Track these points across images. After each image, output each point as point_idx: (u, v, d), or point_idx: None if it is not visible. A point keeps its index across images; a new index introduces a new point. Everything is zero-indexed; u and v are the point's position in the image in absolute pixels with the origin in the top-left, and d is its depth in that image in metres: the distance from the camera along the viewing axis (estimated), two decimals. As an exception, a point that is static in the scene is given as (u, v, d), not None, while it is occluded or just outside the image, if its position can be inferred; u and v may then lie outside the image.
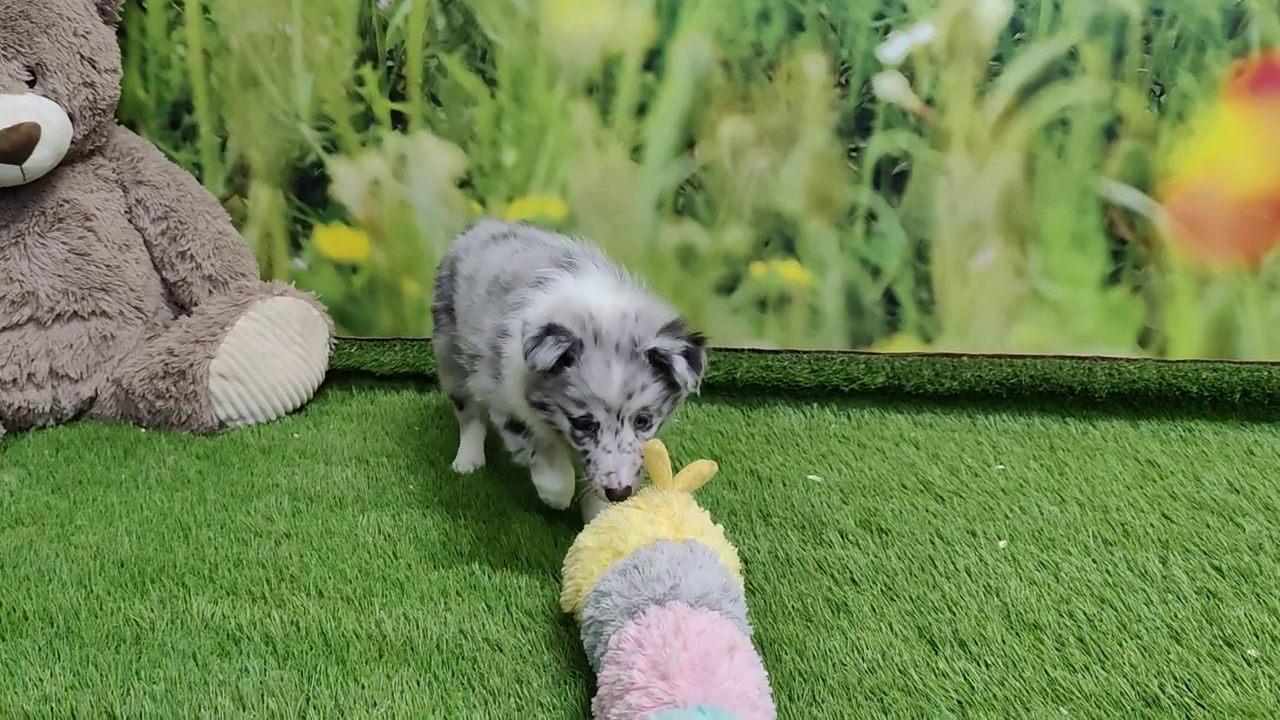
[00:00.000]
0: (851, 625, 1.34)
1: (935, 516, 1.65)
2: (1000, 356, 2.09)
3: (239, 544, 1.58)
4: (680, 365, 1.35)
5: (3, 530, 1.64)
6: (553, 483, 1.54)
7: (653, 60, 2.09)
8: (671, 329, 1.37)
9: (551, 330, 1.32)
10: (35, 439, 2.02)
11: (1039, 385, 2.07)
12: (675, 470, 1.36)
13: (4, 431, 2.00)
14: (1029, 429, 2.03)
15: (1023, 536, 1.57)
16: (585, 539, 1.30)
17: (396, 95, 2.19)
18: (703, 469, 1.37)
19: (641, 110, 2.11)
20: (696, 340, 1.39)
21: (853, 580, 1.46)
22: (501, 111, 2.15)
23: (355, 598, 1.42)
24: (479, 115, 2.16)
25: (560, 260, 1.49)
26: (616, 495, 1.34)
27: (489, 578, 1.47)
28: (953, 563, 1.50)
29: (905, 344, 2.13)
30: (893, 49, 2.02)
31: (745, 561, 1.51)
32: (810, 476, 1.81)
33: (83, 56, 2.02)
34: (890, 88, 2.04)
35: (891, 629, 1.33)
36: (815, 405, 2.16)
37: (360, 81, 2.19)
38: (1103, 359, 2.05)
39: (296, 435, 2.03)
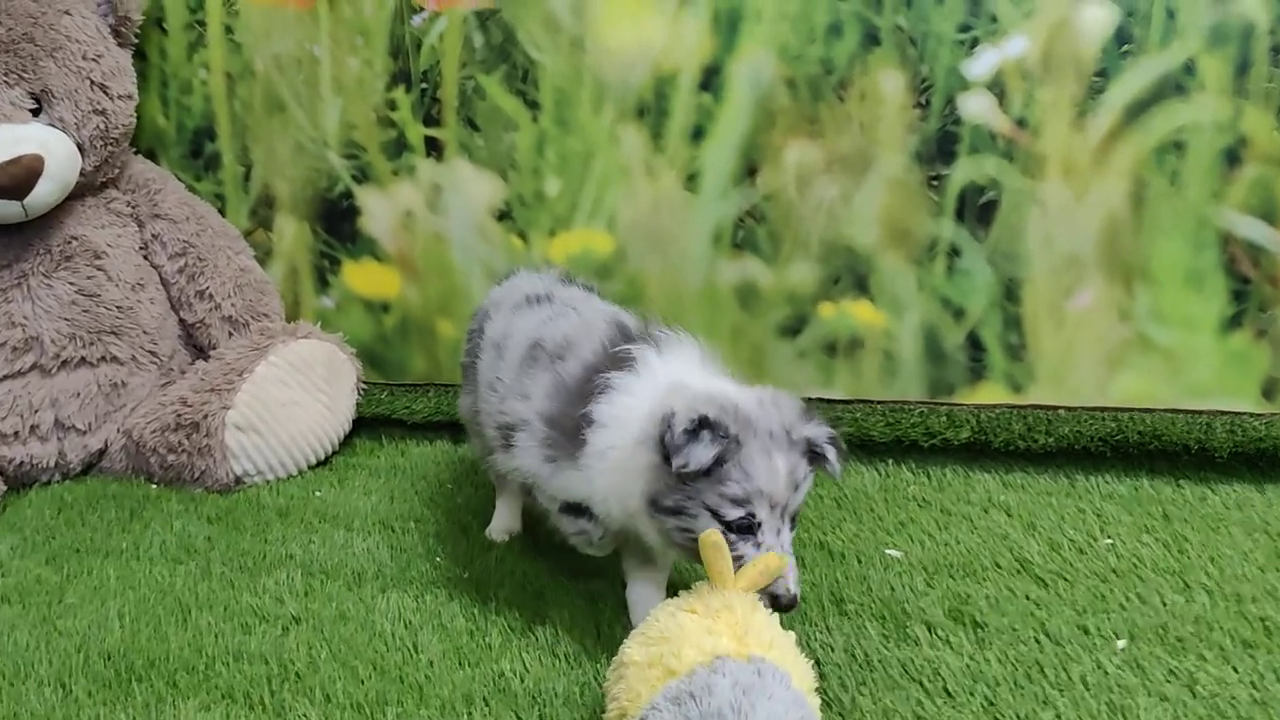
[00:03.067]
0: (949, 754, 1.12)
1: (1038, 606, 1.42)
2: (1102, 409, 1.85)
3: (241, 631, 1.40)
4: (833, 454, 1.22)
5: (-14, 610, 1.47)
6: (591, 551, 1.37)
7: (710, 79, 1.89)
8: (809, 415, 1.24)
9: (704, 425, 1.15)
10: (37, 497, 1.86)
11: (1148, 443, 1.83)
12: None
13: (4, 489, 1.85)
14: (1137, 493, 1.78)
15: (1145, 635, 1.34)
16: (632, 651, 1.10)
17: (431, 120, 2.01)
18: (770, 564, 1.16)
19: (697, 134, 1.91)
20: (834, 426, 1.26)
21: (946, 691, 1.24)
22: (544, 136, 1.96)
23: (366, 705, 1.23)
24: (519, 141, 1.97)
25: (625, 331, 1.37)
26: (786, 606, 1.17)
27: (521, 680, 1.27)
28: (1065, 670, 1.27)
29: (992, 394, 1.90)
30: (980, 64, 1.80)
31: (818, 663, 1.29)
32: (888, 551, 1.59)
33: (93, 82, 1.87)
34: (977, 107, 1.82)
35: (998, 760, 1.11)
36: (891, 462, 1.94)
37: (392, 105, 2.02)
38: (1222, 413, 1.80)
39: (318, 494, 1.85)
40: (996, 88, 1.80)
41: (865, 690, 1.24)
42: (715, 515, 1.18)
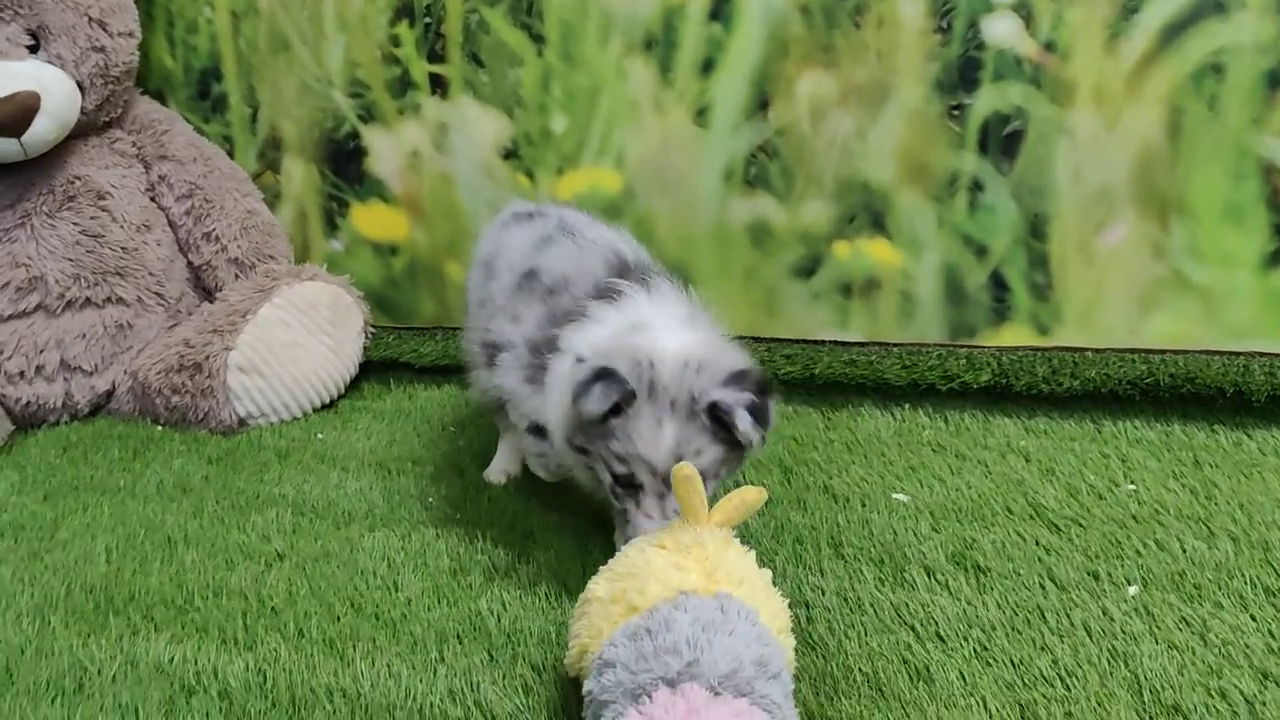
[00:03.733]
0: (933, 699, 1.06)
1: (1048, 551, 1.34)
2: (1133, 351, 1.75)
3: (225, 567, 1.38)
4: (744, 422, 1.16)
5: (-22, 544, 1.48)
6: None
7: (720, 8, 1.81)
8: (737, 379, 1.18)
9: (603, 376, 1.14)
10: (44, 437, 1.87)
11: (1180, 386, 1.72)
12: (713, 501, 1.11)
13: (12, 429, 1.86)
14: (1167, 439, 1.69)
15: (1159, 581, 1.26)
16: (596, 587, 1.06)
17: (435, 56, 1.96)
18: (748, 497, 1.10)
19: (707, 67, 1.83)
20: (764, 390, 1.19)
21: (939, 635, 1.17)
22: (549, 72, 1.90)
23: (338, 640, 1.20)
24: (525, 77, 1.91)
25: (622, 266, 1.34)
26: None
27: (497, 620, 1.23)
28: (1068, 615, 1.20)
29: (1016, 336, 1.81)
30: (1004, -15, 1.70)
31: (806, 606, 1.24)
32: (895, 495, 1.53)
33: (91, 19, 1.84)
34: (1002, 31, 1.71)
35: (985, 706, 1.05)
36: (907, 407, 1.86)
37: (396, 41, 1.97)
38: (1261, 355, 1.69)
39: (319, 436, 1.83)
40: (1023, 9, 1.69)
41: (853, 633, 1.18)
42: (605, 465, 1.19)
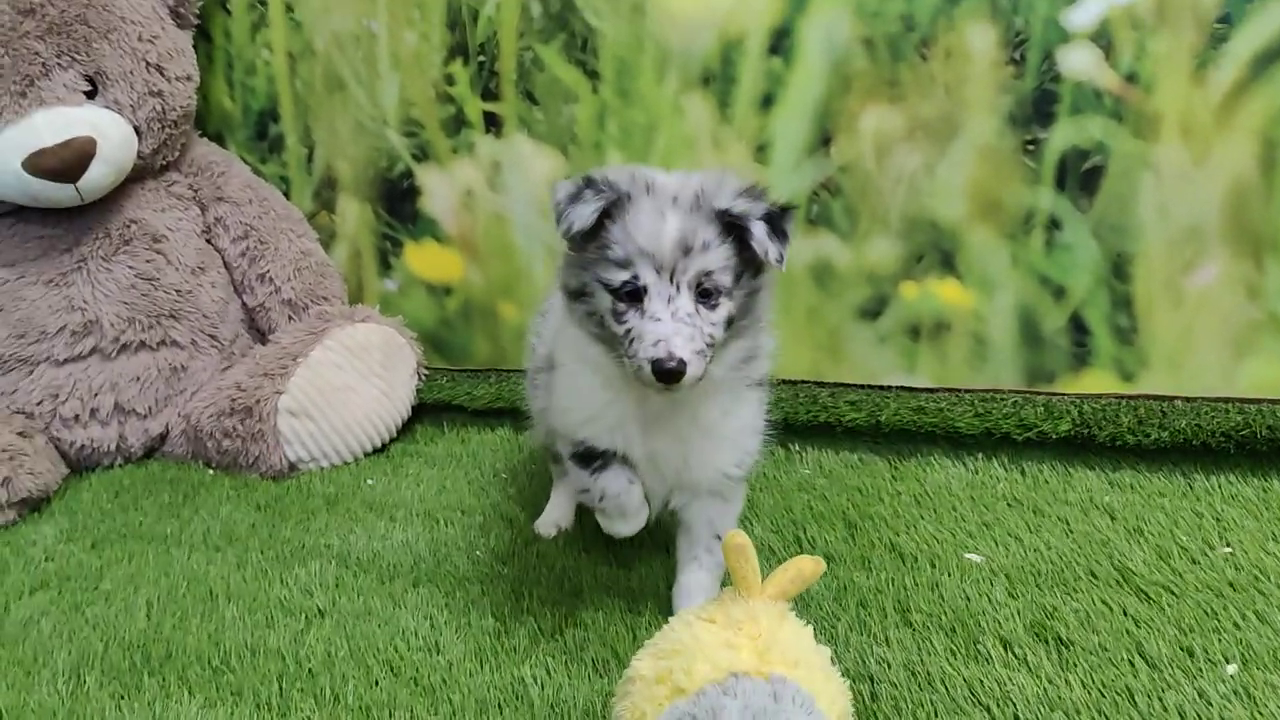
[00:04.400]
0: (1011, 795, 0.97)
1: (1137, 623, 1.24)
2: (1226, 400, 1.64)
3: (264, 624, 1.34)
4: (760, 230, 1.07)
5: (22, 596, 1.45)
6: (624, 527, 1.24)
7: (780, 42, 1.74)
8: (751, 191, 1.11)
9: (587, 185, 1.09)
10: (97, 481, 1.86)
11: (1279, 438, 1.60)
12: (766, 571, 1.03)
13: (66, 472, 1.85)
14: (1265, 496, 1.57)
15: (1260, 660, 1.15)
16: (641, 664, 0.98)
17: (489, 94, 1.93)
18: (804, 568, 1.03)
19: (767, 102, 1.77)
20: (786, 206, 1.12)
21: (1016, 718, 1.08)
22: (605, 108, 1.85)
23: (374, 707, 1.14)
24: (580, 113, 1.87)
25: None
26: (669, 374, 1.04)
27: (541, 688, 1.17)
28: (1160, 698, 1.09)
29: (1098, 383, 1.70)
30: (1083, 13, 1.60)
31: (871, 681, 1.15)
32: (968, 555, 1.43)
33: (149, 63, 1.85)
34: (1080, 62, 1.62)
35: (1070, 805, 0.95)
36: (980, 457, 1.76)
37: (450, 80, 1.94)
38: (1370, 406, 1.57)
39: (369, 482, 1.79)
40: (1102, 39, 1.60)
41: (922, 713, 1.09)
42: (606, 287, 1.10)
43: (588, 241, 1.10)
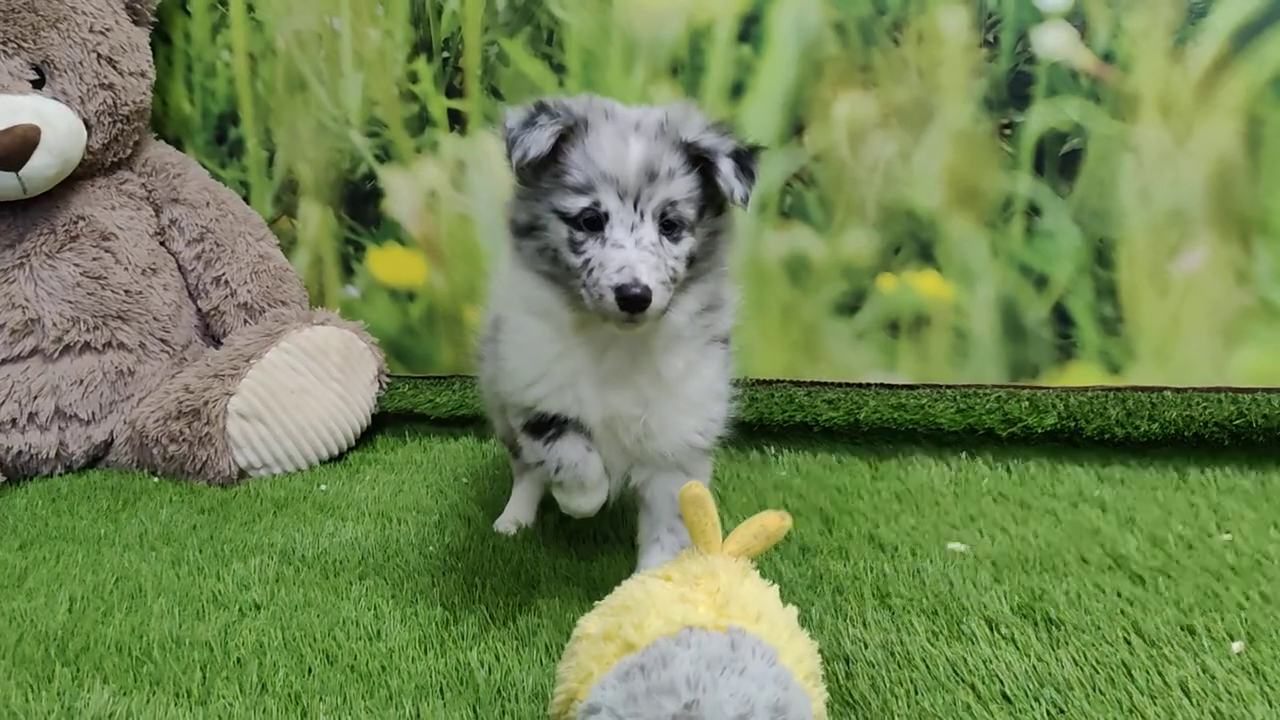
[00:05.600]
0: (1000, 770, 0.88)
1: (1132, 603, 1.15)
2: (1218, 390, 1.57)
3: (193, 618, 1.23)
4: (727, 166, 1.01)
5: (-63, 593, 1.35)
6: (583, 502, 1.16)
7: (749, 29, 1.70)
8: (719, 128, 1.05)
9: (541, 109, 1.03)
10: (34, 489, 1.76)
11: (1276, 428, 1.53)
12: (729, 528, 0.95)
13: (2, 480, 1.75)
14: (1264, 486, 1.49)
15: (1267, 636, 1.07)
16: (588, 623, 0.89)
17: (453, 91, 1.88)
18: (769, 523, 0.94)
19: (737, 91, 1.72)
20: (754, 145, 1.06)
21: (1004, 696, 0.99)
22: (572, 103, 1.80)
23: (304, 694, 1.04)
24: (546, 108, 1.82)
25: None
26: (634, 301, 0.97)
27: (488, 671, 1.07)
28: (1160, 673, 1.00)
29: (1084, 375, 1.63)
30: (1056, -8, 1.57)
31: (847, 660, 1.06)
32: (951, 545, 1.34)
33: (100, 55, 1.79)
34: (1054, 43, 1.58)
35: (1064, 778, 0.86)
36: (964, 455, 1.68)
37: (414, 78, 1.90)
38: (1368, 391, 1.50)
39: (322, 487, 1.69)
40: (1077, 18, 1.57)
41: (900, 690, 1.00)
42: (562, 217, 1.03)
43: (541, 171, 1.04)
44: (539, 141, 1.01)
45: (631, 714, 0.73)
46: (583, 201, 1.01)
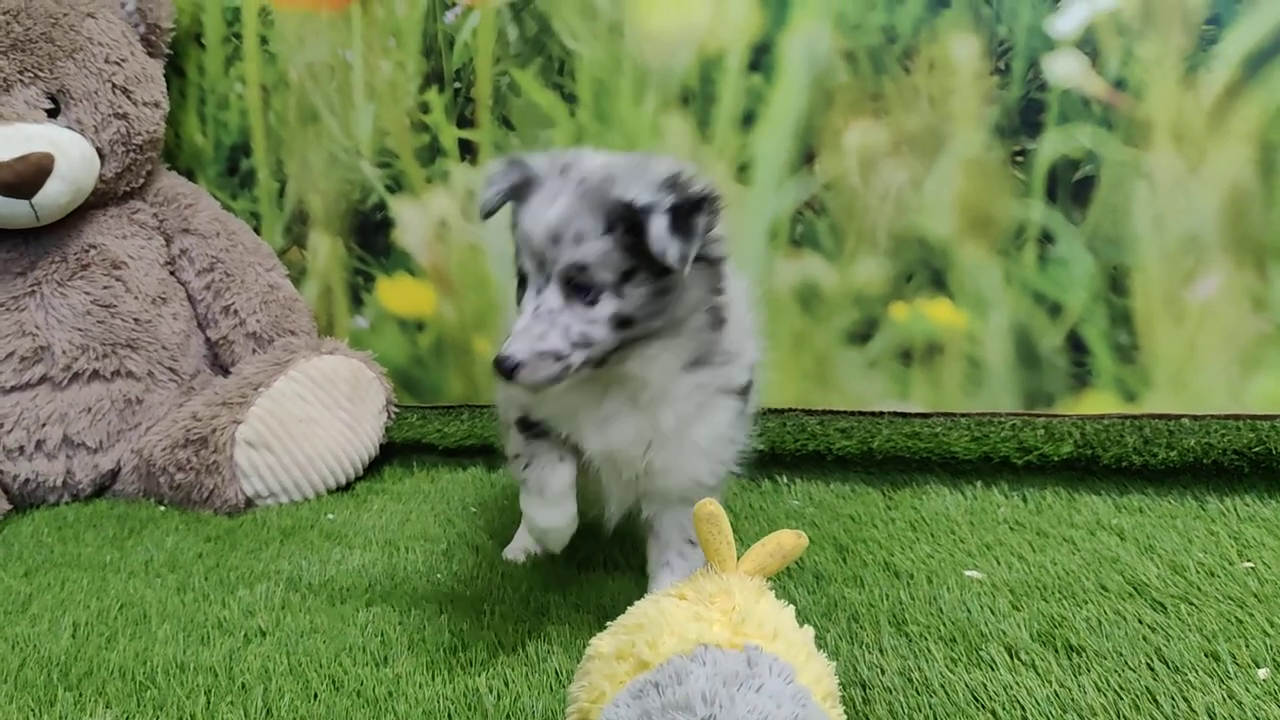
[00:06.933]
0: (1024, 796, 0.85)
1: (1154, 630, 1.13)
2: (1236, 417, 1.55)
3: (198, 643, 1.22)
4: (658, 225, 0.96)
5: (-61, 618, 1.34)
6: (542, 515, 1.15)
7: (760, 58, 1.71)
8: (669, 183, 0.99)
9: (511, 163, 1.05)
10: (40, 517, 1.74)
11: (1296, 455, 1.51)
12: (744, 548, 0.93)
13: (9, 508, 1.74)
14: (1286, 515, 1.46)
15: (1295, 663, 1.04)
16: (600, 642, 0.87)
17: (465, 121, 1.89)
18: (784, 542, 0.93)
19: (748, 120, 1.73)
20: (699, 200, 0.98)
21: (1026, 721, 0.96)
22: (582, 132, 1.81)
23: (310, 719, 1.02)
24: (557, 138, 1.83)
25: None
26: (504, 374, 0.97)
27: (497, 697, 1.05)
28: (1185, 699, 0.98)
29: (1099, 403, 1.62)
30: (1067, 20, 1.57)
31: (863, 686, 1.03)
32: (968, 572, 1.32)
33: (115, 85, 1.81)
34: (1066, 70, 1.59)
35: (1091, 806, 0.83)
36: (979, 484, 1.66)
37: (425, 108, 1.91)
38: (1389, 418, 1.48)
39: (329, 516, 1.68)
40: (1088, 45, 1.57)
41: (919, 716, 0.97)
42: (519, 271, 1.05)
43: (514, 227, 1.06)
44: (488, 201, 1.05)
45: (647, 730, 0.71)
46: (517, 261, 1.04)
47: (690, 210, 0.98)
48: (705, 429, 1.12)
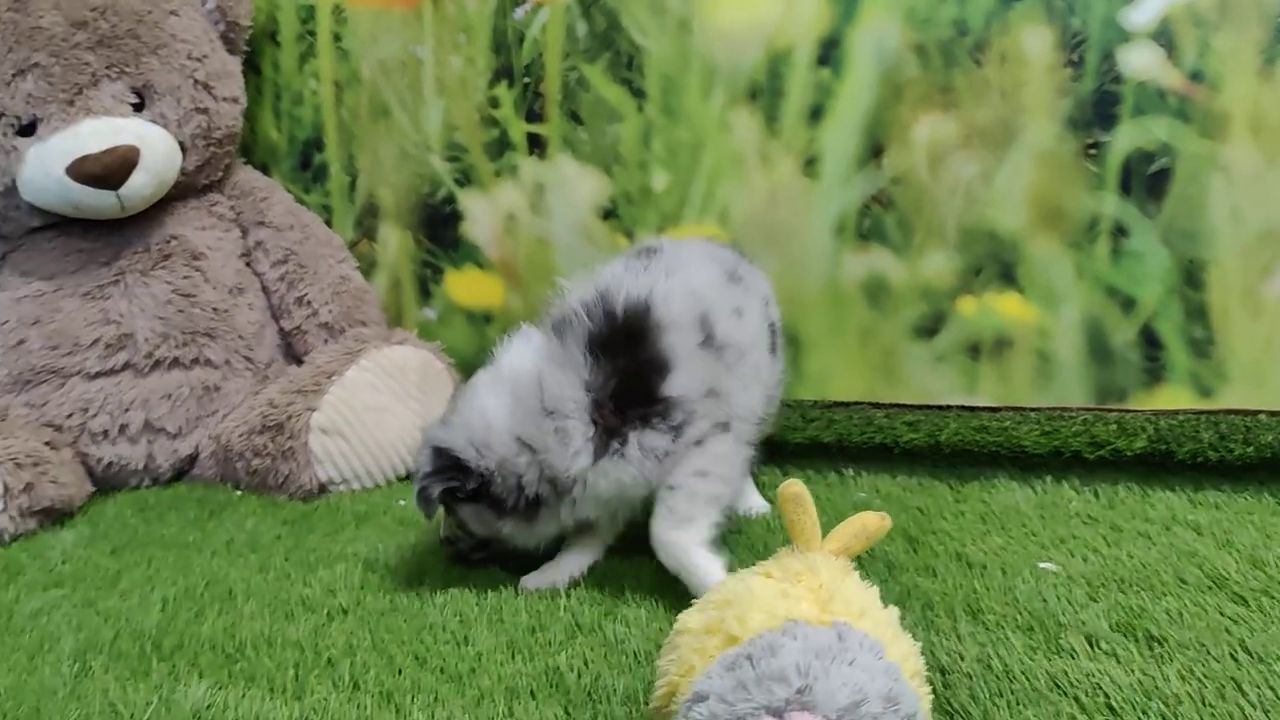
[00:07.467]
0: (1112, 779, 0.85)
1: (1236, 622, 1.12)
2: (1315, 413, 1.53)
3: (283, 619, 1.25)
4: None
5: (35, 592, 1.38)
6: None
7: (829, 53, 1.72)
8: (430, 460, 1.30)
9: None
10: (123, 499, 1.79)
11: (1377, 452, 1.49)
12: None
13: (92, 490, 1.79)
14: (1365, 511, 1.44)
15: (1387, 656, 1.02)
16: (689, 618, 0.89)
17: (533, 115, 1.91)
18: (869, 523, 0.94)
19: (816, 114, 1.73)
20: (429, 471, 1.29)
21: (1110, 708, 0.96)
22: (650, 127, 1.83)
23: (396, 693, 1.05)
24: (624, 132, 1.84)
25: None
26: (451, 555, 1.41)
27: (578, 675, 1.06)
28: (1272, 688, 0.97)
29: (1174, 398, 1.60)
30: (1143, 11, 1.56)
31: (942, 671, 1.04)
32: (1042, 564, 1.31)
33: (196, 81, 1.86)
34: (1141, 62, 1.57)
35: (1181, 789, 0.83)
36: (1049, 478, 1.65)
37: (494, 103, 1.93)
38: None
39: (401, 502, 1.71)
40: (1163, 38, 1.56)
41: (1000, 702, 0.97)
42: None
43: None
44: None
45: (742, 699, 0.72)
46: None
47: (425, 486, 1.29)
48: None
